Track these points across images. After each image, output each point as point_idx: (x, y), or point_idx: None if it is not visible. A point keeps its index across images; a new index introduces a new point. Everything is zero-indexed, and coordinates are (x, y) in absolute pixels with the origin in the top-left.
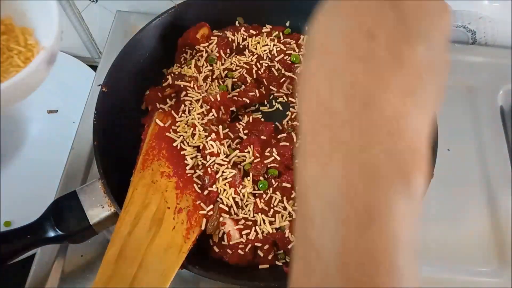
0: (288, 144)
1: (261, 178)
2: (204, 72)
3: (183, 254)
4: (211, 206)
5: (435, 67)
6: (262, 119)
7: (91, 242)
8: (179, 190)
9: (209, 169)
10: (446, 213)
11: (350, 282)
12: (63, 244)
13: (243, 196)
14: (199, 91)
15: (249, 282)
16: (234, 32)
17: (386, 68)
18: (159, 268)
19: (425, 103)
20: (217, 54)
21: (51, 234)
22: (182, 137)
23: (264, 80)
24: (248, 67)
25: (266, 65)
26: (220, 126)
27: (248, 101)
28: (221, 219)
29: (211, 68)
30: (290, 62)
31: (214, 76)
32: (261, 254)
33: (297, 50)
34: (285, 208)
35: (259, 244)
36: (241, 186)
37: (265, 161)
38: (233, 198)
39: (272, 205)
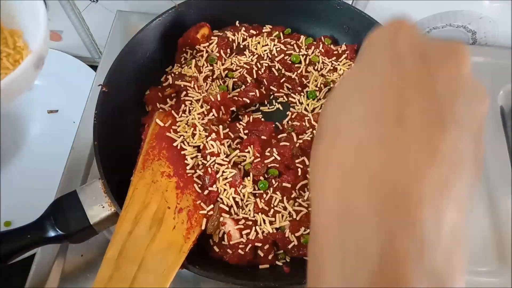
0: (288, 144)
1: (261, 178)
2: (205, 72)
3: (183, 254)
4: (211, 206)
5: (471, 155)
6: (262, 119)
7: (91, 242)
8: (179, 190)
9: (209, 169)
10: None
11: None
12: (63, 244)
13: (243, 196)
14: (199, 91)
15: (249, 282)
16: (234, 32)
17: (418, 159)
18: (159, 268)
19: (462, 199)
20: (218, 54)
21: (51, 234)
22: (182, 137)
23: (264, 80)
24: (248, 67)
25: (267, 65)
26: (220, 126)
27: (248, 101)
28: (221, 219)
29: (211, 68)
30: (290, 62)
31: (214, 76)
32: (261, 254)
33: (297, 50)
34: (285, 208)
35: (259, 244)
36: (241, 186)
37: (265, 161)
38: (233, 198)
39: (272, 205)
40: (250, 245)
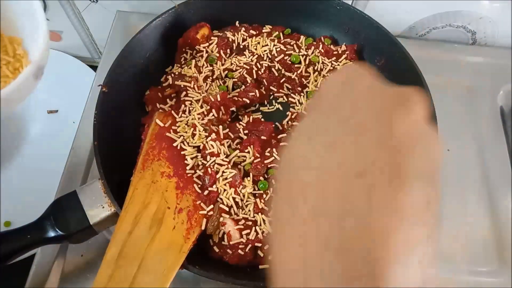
0: None
1: (261, 178)
2: (204, 72)
3: (183, 254)
4: (211, 206)
5: (433, 205)
6: (262, 119)
7: (91, 242)
8: (179, 190)
9: (209, 169)
10: (446, 213)
11: None
12: (63, 244)
13: (243, 196)
14: (199, 91)
15: (249, 282)
16: (234, 32)
17: (383, 219)
18: (159, 268)
19: (426, 252)
20: (217, 54)
21: (51, 234)
22: (182, 137)
23: (264, 80)
24: (248, 67)
25: (266, 65)
26: (220, 126)
27: (248, 101)
28: (221, 219)
29: (211, 68)
30: (290, 62)
31: (214, 76)
32: (261, 254)
33: (297, 51)
34: None
35: (259, 244)
36: (241, 186)
37: (265, 161)
38: (233, 198)
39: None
40: (250, 245)
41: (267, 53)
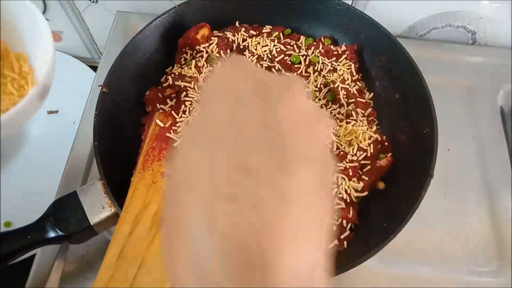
0: None
1: None
2: (205, 73)
3: None
4: None
5: (320, 183)
6: None
7: (91, 242)
8: None
9: None
10: (446, 212)
11: None
12: (63, 244)
13: None
14: (199, 91)
15: None
16: (234, 32)
17: (269, 211)
18: (160, 268)
19: (318, 233)
20: (217, 55)
21: (52, 234)
22: (182, 137)
23: None
24: None
25: (266, 65)
26: None
27: None
28: None
29: (211, 68)
30: (290, 62)
31: None
32: None
33: (297, 51)
34: None
35: None
36: None
37: None
38: None
39: None
40: None
41: (267, 53)
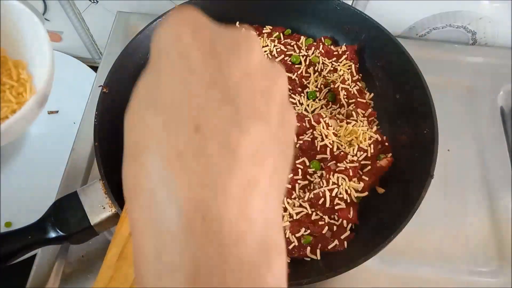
0: None
1: None
2: None
3: None
4: None
5: (277, 139)
6: None
7: (92, 242)
8: None
9: None
10: (446, 213)
11: None
12: (63, 244)
13: None
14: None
15: None
16: None
17: (220, 168)
18: None
19: (272, 187)
20: None
21: (52, 234)
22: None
23: None
24: None
25: None
26: None
27: None
28: None
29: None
30: (290, 63)
31: None
32: None
33: (297, 51)
34: (285, 209)
35: None
36: None
37: None
38: None
39: None
40: None
41: (267, 54)
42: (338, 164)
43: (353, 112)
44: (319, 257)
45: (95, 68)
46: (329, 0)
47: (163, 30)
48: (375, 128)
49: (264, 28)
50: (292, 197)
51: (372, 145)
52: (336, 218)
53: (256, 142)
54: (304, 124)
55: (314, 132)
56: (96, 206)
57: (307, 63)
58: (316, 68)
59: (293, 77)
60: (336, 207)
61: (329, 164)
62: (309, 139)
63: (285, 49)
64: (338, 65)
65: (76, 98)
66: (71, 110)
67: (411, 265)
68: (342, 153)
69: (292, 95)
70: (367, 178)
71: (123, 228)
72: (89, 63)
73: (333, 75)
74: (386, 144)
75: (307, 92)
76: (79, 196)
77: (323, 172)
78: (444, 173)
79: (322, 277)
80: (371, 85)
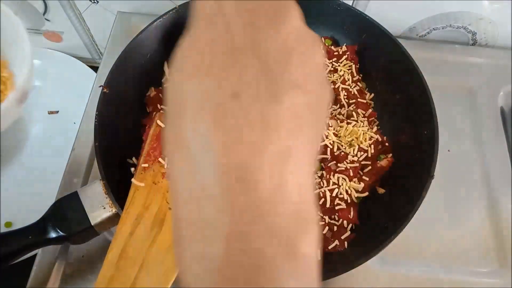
0: None
1: None
2: None
3: None
4: None
5: (312, 110)
6: None
7: (92, 243)
8: None
9: None
10: (446, 213)
11: None
12: (64, 245)
13: None
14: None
15: None
16: None
17: (256, 135)
18: (161, 268)
19: (304, 159)
20: None
21: (52, 235)
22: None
23: None
24: None
25: None
26: None
27: None
28: None
29: None
30: None
31: None
32: None
33: None
34: None
35: None
36: None
37: None
38: None
39: None
40: None
41: None
42: (339, 164)
43: (354, 113)
44: (319, 257)
45: (95, 68)
46: (330, 0)
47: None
48: (375, 128)
49: None
50: None
51: (372, 146)
52: (337, 218)
53: (292, 112)
54: None
55: None
56: (97, 206)
57: None
58: None
59: None
60: (336, 207)
61: (329, 164)
62: None
63: None
64: (339, 66)
65: (77, 98)
66: (71, 110)
67: (411, 265)
68: (342, 153)
69: None
70: (367, 179)
71: (124, 228)
72: (89, 63)
73: (334, 75)
74: (387, 144)
75: None
76: (79, 196)
77: (324, 172)
78: (444, 173)
79: (322, 277)
80: (371, 85)
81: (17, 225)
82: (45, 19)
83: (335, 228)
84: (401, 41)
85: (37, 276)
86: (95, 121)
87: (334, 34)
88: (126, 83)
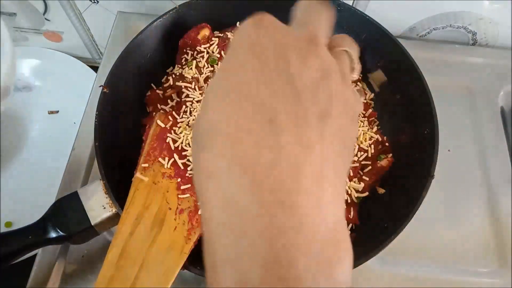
0: None
1: None
2: (205, 73)
3: (185, 255)
4: None
5: (343, 135)
6: None
7: (92, 242)
8: (180, 191)
9: None
10: (446, 213)
11: None
12: (64, 245)
13: None
14: (200, 92)
15: None
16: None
17: (295, 157)
18: (161, 268)
19: (339, 182)
20: (218, 55)
21: (52, 234)
22: (183, 138)
23: None
24: None
25: None
26: None
27: None
28: None
29: (212, 69)
30: None
31: None
32: None
33: None
34: None
35: None
36: None
37: None
38: None
39: None
40: None
41: None
42: None
43: None
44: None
45: (95, 68)
46: (330, 0)
47: (242, 31)
48: (375, 128)
49: None
50: None
51: (372, 145)
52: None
53: (325, 137)
54: None
55: None
56: (97, 206)
57: None
58: None
59: None
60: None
61: None
62: None
63: None
64: None
65: (77, 98)
66: (71, 110)
67: (411, 265)
68: None
69: None
70: (367, 178)
71: (124, 228)
72: (89, 63)
73: None
74: (387, 144)
75: None
76: (79, 196)
77: None
78: (445, 173)
79: None
80: (371, 85)
81: (17, 225)
82: (45, 19)
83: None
84: (401, 41)
85: (37, 276)
86: (95, 121)
87: (334, 34)
88: (126, 83)
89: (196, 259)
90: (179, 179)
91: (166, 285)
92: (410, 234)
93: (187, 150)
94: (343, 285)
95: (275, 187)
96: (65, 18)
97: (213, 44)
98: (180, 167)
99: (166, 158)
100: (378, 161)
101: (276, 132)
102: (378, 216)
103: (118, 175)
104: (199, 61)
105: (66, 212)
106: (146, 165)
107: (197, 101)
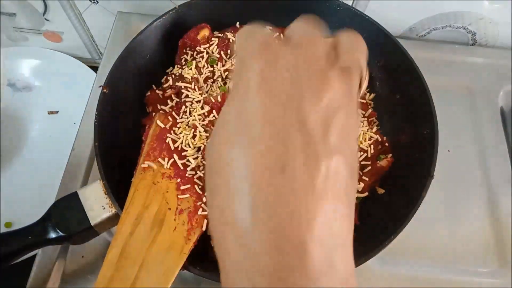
0: None
1: None
2: (205, 73)
3: (184, 255)
4: None
5: (350, 175)
6: None
7: (92, 243)
8: (180, 191)
9: None
10: (446, 213)
11: None
12: (64, 245)
13: None
14: (200, 92)
15: None
16: (235, 33)
17: (305, 203)
18: (161, 268)
19: (347, 228)
20: (218, 56)
21: (52, 235)
22: (183, 138)
23: None
24: None
25: None
26: None
27: None
28: None
29: (211, 69)
30: None
31: (215, 77)
32: None
33: None
34: None
35: None
36: None
37: None
38: None
39: None
40: None
41: None
42: None
43: None
44: None
45: (95, 68)
46: (330, 1)
47: (240, 65)
48: (375, 128)
49: None
50: None
51: (372, 146)
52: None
53: (333, 178)
54: None
55: None
56: (96, 206)
57: None
58: None
59: None
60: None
61: None
62: None
63: None
64: None
65: (76, 98)
66: (71, 110)
67: (411, 265)
68: None
69: None
70: (367, 179)
71: (124, 228)
72: (89, 63)
73: None
74: (386, 144)
75: None
76: (79, 196)
77: None
78: (444, 173)
79: None
80: (371, 85)
81: (17, 225)
82: (45, 19)
83: None
84: (401, 41)
85: (37, 276)
86: (95, 121)
87: (334, 34)
88: (126, 83)
89: (196, 259)
90: (178, 180)
91: (166, 285)
92: (410, 234)
93: (186, 151)
94: None
95: (288, 238)
96: (65, 18)
97: (212, 44)
98: (179, 168)
99: (166, 159)
100: (378, 161)
101: (286, 180)
102: (378, 216)
103: (118, 175)
104: (198, 62)
105: (65, 213)
106: (146, 165)
107: (197, 101)
